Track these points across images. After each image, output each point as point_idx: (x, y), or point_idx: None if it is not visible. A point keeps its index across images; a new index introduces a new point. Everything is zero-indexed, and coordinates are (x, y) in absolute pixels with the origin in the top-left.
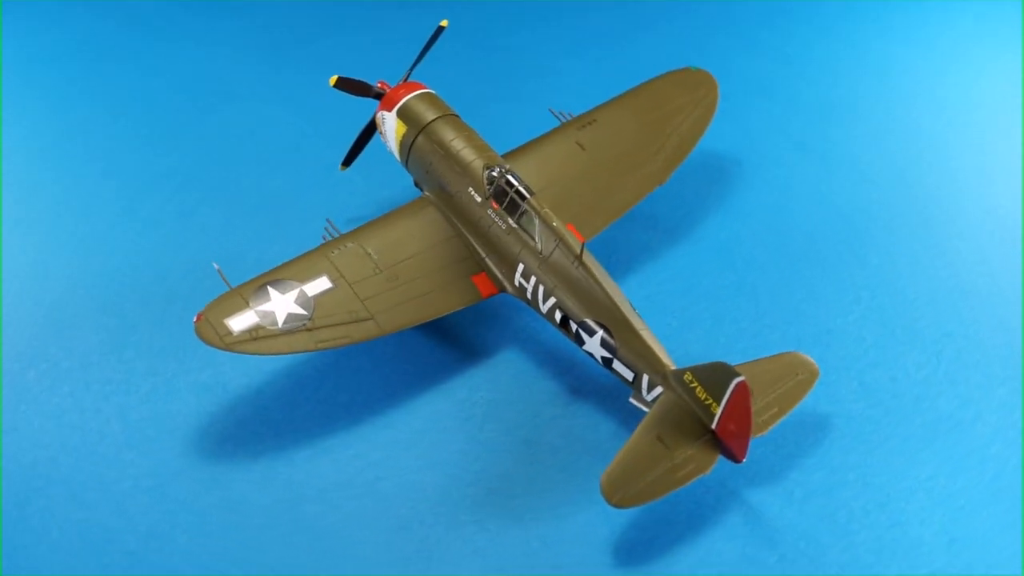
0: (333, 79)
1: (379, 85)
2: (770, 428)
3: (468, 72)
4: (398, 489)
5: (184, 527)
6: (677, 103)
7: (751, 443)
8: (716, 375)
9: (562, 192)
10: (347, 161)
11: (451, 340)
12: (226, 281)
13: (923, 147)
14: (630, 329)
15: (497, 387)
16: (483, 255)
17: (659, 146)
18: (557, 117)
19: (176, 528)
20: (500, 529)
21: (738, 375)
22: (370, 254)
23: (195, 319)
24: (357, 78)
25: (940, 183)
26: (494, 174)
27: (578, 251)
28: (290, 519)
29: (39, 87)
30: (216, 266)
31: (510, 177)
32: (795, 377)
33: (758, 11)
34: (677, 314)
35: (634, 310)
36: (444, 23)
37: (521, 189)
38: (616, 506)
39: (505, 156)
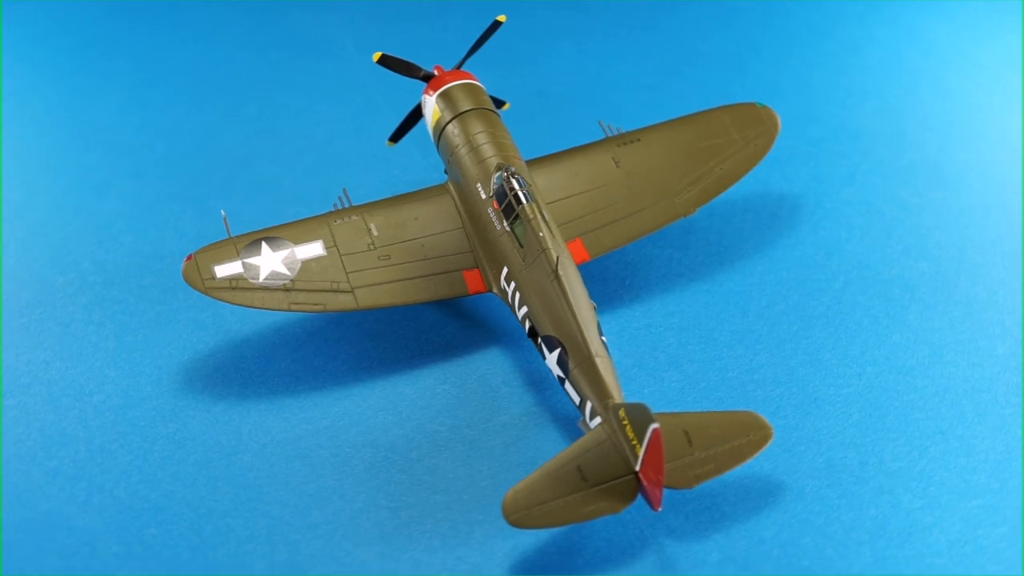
0: (376, 55)
1: (435, 69)
2: (701, 483)
3: (535, 74)
4: (332, 460)
5: (130, 449)
6: (730, 137)
7: (685, 494)
8: (641, 417)
9: (582, 205)
10: (394, 137)
11: (441, 330)
12: (228, 229)
13: (992, 238)
14: (585, 353)
15: (464, 384)
16: (480, 252)
17: (697, 176)
18: (604, 130)
19: (123, 449)
20: (410, 520)
21: (654, 421)
22: (370, 229)
23: (185, 259)
24: (402, 57)
25: (995, 282)
26: (501, 174)
27: (555, 267)
28: (224, 465)
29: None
30: (223, 213)
31: (514, 180)
32: (745, 437)
33: (839, 58)
34: (669, 351)
35: (599, 336)
36: (502, 18)
37: (520, 194)
38: (513, 524)
39: (538, 160)
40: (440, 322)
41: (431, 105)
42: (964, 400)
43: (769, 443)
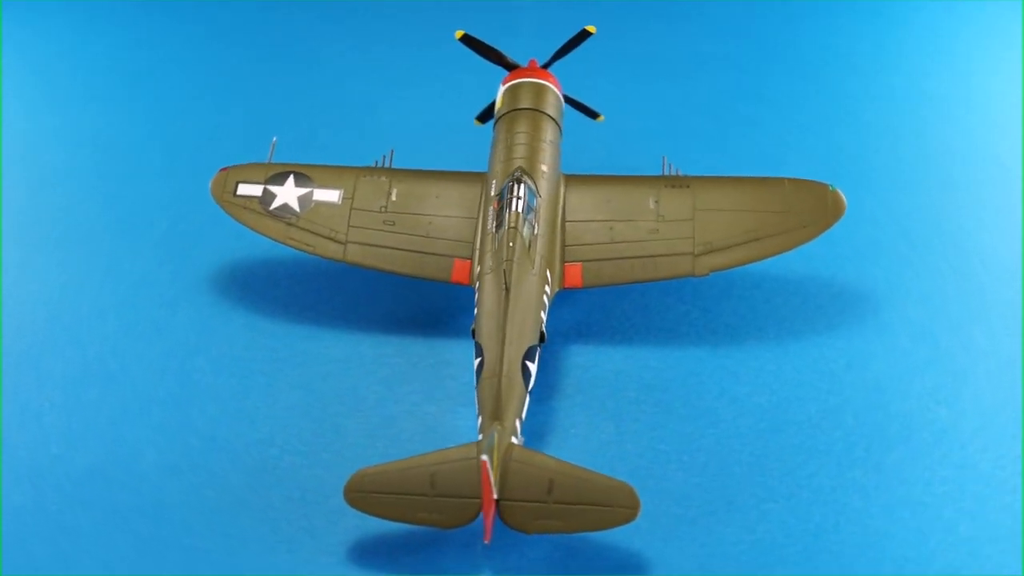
0: (459, 33)
1: (530, 63)
2: (541, 534)
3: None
4: (263, 383)
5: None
6: (784, 212)
7: (530, 540)
8: (487, 447)
9: (598, 233)
10: (482, 117)
11: (436, 310)
12: (270, 155)
13: None
14: (494, 369)
15: (417, 364)
16: (475, 246)
17: (729, 242)
18: (663, 166)
19: (88, 380)
20: (270, 470)
21: (481, 454)
22: (390, 193)
23: (220, 169)
24: (487, 42)
25: None
26: (516, 175)
27: (507, 282)
28: (136, 402)
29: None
30: (274, 140)
31: (518, 187)
32: (608, 507)
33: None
34: (621, 402)
35: (522, 360)
36: (592, 29)
37: (515, 200)
38: (348, 502)
39: (581, 177)
40: (441, 303)
41: (500, 93)
42: None
43: (630, 521)
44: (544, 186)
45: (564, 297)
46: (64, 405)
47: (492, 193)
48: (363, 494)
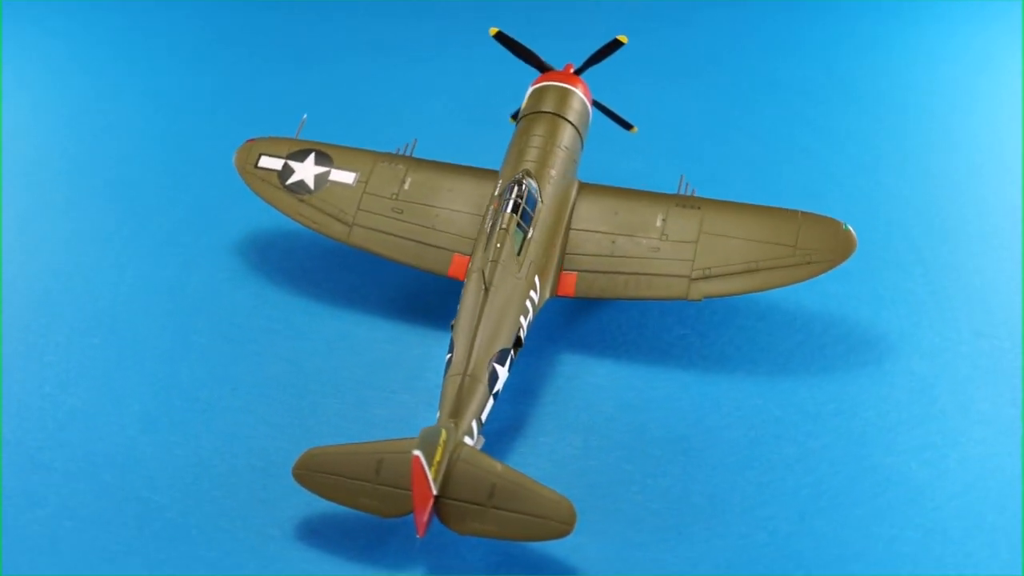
0: (493, 30)
1: (566, 67)
2: (473, 536)
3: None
4: (252, 350)
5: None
6: (792, 246)
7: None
8: (428, 443)
9: (599, 244)
10: (516, 116)
11: (437, 302)
12: (298, 132)
13: None
14: (460, 369)
15: (403, 351)
16: (476, 241)
17: (729, 270)
18: (680, 185)
19: (93, 328)
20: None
21: (414, 449)
22: (404, 182)
23: (247, 140)
24: (521, 42)
25: None
26: (518, 178)
27: (487, 282)
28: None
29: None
30: (304, 117)
31: (518, 189)
32: (544, 518)
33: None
34: (594, 417)
35: (489, 363)
36: (623, 39)
37: (511, 203)
38: (294, 477)
39: (594, 187)
40: (442, 296)
41: (527, 94)
42: None
43: (563, 536)
44: (550, 191)
45: (562, 304)
46: (67, 347)
47: (496, 192)
48: (310, 472)
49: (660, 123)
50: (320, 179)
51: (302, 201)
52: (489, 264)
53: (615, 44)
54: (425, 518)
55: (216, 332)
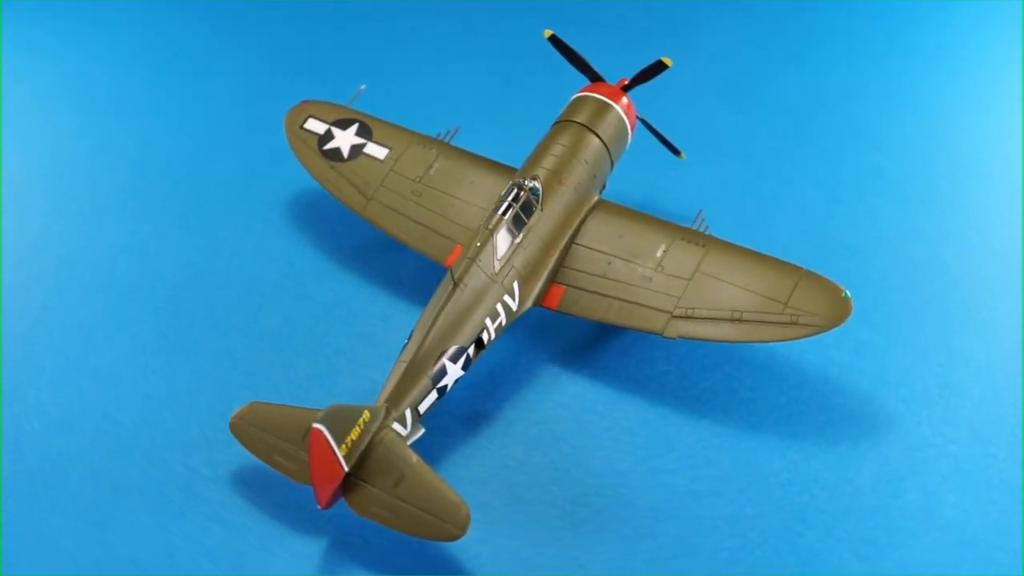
0: (548, 32)
1: (621, 81)
2: (368, 518)
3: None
4: (236, 298)
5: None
6: (784, 303)
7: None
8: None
9: (595, 263)
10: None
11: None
12: (351, 101)
13: None
14: (407, 357)
15: (389, 326)
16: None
17: (712, 315)
18: (696, 219)
19: (127, 252)
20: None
21: (320, 423)
22: (431, 167)
23: (302, 101)
24: (576, 49)
25: None
26: (519, 182)
27: (456, 278)
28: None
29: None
30: (362, 87)
31: (516, 192)
32: (438, 517)
33: None
34: (545, 434)
35: (439, 359)
36: (668, 61)
37: (504, 206)
38: (229, 424)
39: (608, 206)
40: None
41: (569, 100)
42: None
43: (452, 540)
44: (555, 202)
45: (553, 318)
46: (102, 266)
47: (501, 193)
48: (245, 424)
49: (715, 147)
50: (355, 150)
51: (332, 168)
52: (465, 261)
53: (660, 66)
54: (329, 492)
55: (229, 278)
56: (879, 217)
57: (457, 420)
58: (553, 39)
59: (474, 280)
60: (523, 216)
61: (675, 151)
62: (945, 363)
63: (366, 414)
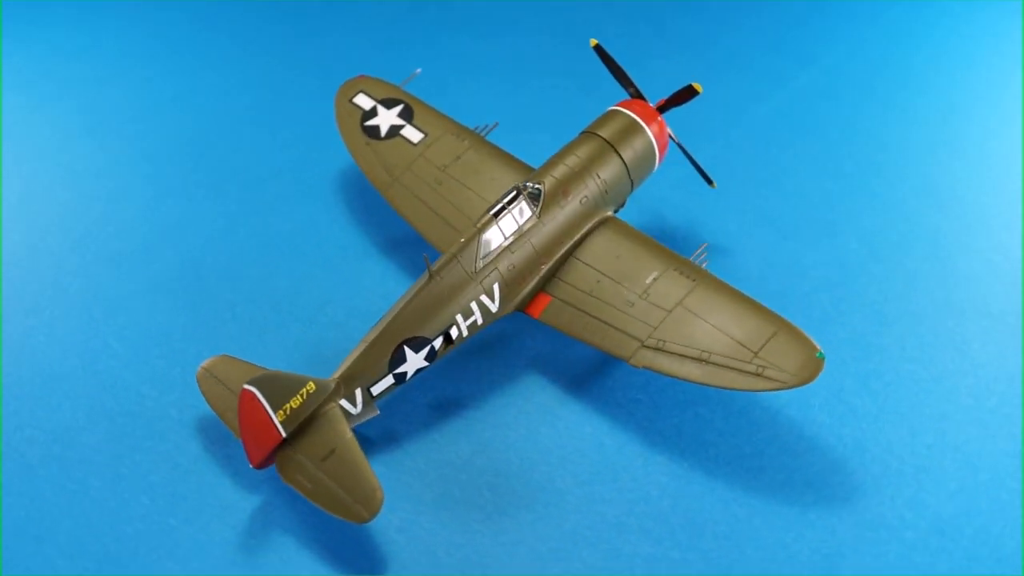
0: (593, 42)
1: (660, 102)
2: (291, 485)
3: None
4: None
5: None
6: (755, 352)
7: None
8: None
9: (585, 280)
10: None
11: None
12: (404, 82)
13: None
14: (366, 336)
15: (370, 309)
16: None
17: (681, 351)
18: (697, 252)
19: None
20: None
21: (248, 385)
22: (459, 158)
23: (359, 76)
24: (618, 61)
25: None
26: (519, 186)
27: (432, 270)
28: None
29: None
30: (418, 71)
31: (514, 195)
32: (352, 500)
33: None
34: (488, 450)
35: (399, 340)
36: (698, 88)
37: (497, 207)
38: (197, 374)
39: (616, 224)
40: None
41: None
42: None
43: (360, 522)
44: (557, 213)
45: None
46: (146, 205)
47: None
48: (209, 376)
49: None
50: (393, 130)
51: (368, 144)
52: (447, 255)
53: (690, 91)
54: (262, 453)
55: (258, 238)
56: (915, 285)
57: (419, 410)
58: (597, 48)
59: (451, 275)
60: (516, 220)
61: (708, 180)
62: (932, 447)
63: (311, 385)
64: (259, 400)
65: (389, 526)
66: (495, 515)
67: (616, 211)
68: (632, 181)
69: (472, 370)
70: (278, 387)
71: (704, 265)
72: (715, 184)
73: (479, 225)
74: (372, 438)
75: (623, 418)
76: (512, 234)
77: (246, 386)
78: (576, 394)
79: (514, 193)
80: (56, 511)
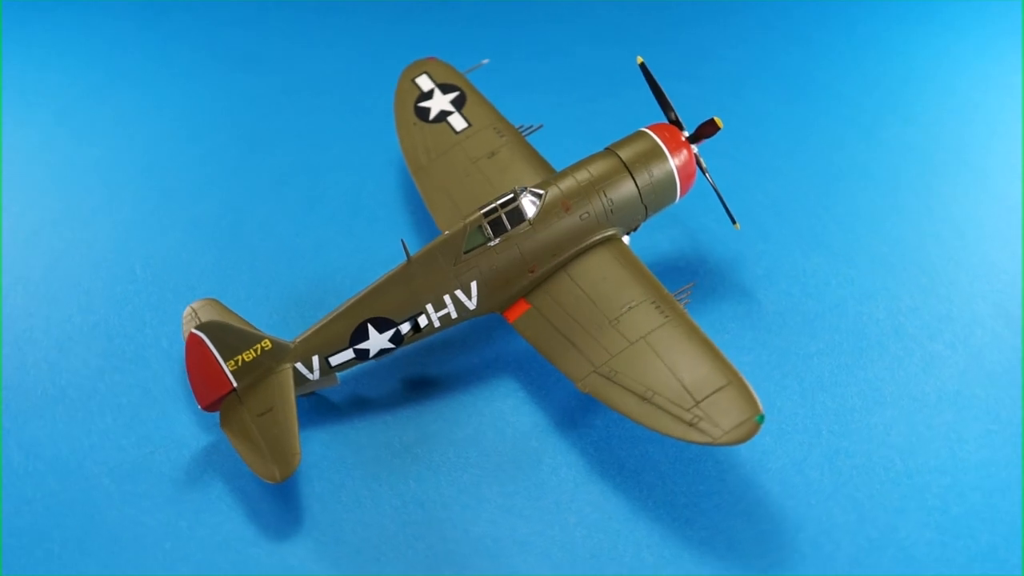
0: (639, 59)
1: (702, 127)
2: (225, 433)
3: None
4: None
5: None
6: (698, 402)
7: None
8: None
9: (567, 295)
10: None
11: None
12: (470, 70)
13: None
14: (335, 308)
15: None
16: None
17: (630, 386)
18: (684, 288)
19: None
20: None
21: (196, 331)
22: (493, 154)
23: (429, 57)
24: (661, 86)
25: None
26: (517, 190)
27: (410, 256)
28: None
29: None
30: (485, 61)
31: (510, 198)
32: (270, 459)
33: None
34: (435, 452)
35: (364, 318)
36: (719, 123)
37: (487, 208)
38: (184, 313)
39: (617, 249)
40: None
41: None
42: None
43: (269, 481)
44: (555, 223)
45: None
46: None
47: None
48: (193, 315)
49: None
50: (441, 115)
51: (414, 124)
52: (431, 244)
53: (712, 126)
54: (210, 397)
55: (290, 197)
56: (930, 369)
57: (381, 391)
58: (643, 67)
59: (428, 264)
60: (506, 222)
61: (732, 220)
62: (875, 542)
63: (266, 343)
64: (207, 345)
65: (311, 494)
66: (412, 506)
67: (627, 234)
68: (646, 207)
69: (447, 361)
70: (231, 337)
71: (685, 304)
72: (739, 225)
73: (467, 220)
74: (339, 405)
75: (574, 440)
76: (500, 236)
77: (194, 330)
78: (539, 402)
79: (511, 196)
80: (45, 412)
